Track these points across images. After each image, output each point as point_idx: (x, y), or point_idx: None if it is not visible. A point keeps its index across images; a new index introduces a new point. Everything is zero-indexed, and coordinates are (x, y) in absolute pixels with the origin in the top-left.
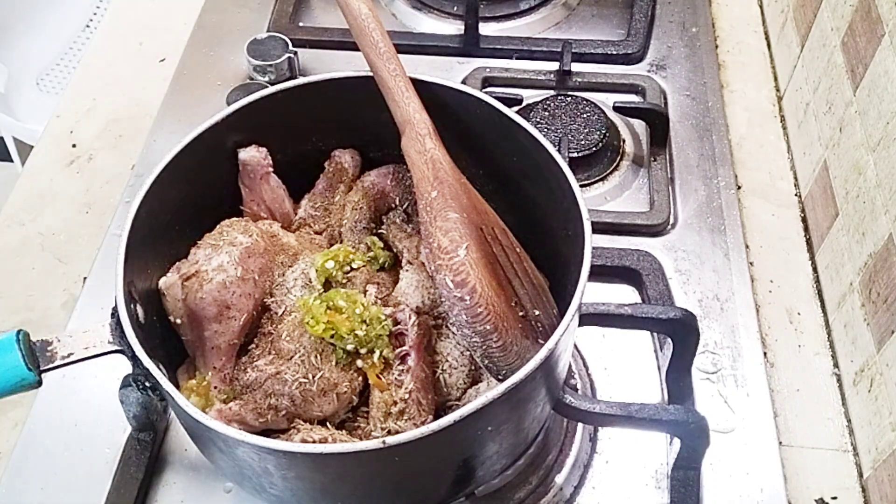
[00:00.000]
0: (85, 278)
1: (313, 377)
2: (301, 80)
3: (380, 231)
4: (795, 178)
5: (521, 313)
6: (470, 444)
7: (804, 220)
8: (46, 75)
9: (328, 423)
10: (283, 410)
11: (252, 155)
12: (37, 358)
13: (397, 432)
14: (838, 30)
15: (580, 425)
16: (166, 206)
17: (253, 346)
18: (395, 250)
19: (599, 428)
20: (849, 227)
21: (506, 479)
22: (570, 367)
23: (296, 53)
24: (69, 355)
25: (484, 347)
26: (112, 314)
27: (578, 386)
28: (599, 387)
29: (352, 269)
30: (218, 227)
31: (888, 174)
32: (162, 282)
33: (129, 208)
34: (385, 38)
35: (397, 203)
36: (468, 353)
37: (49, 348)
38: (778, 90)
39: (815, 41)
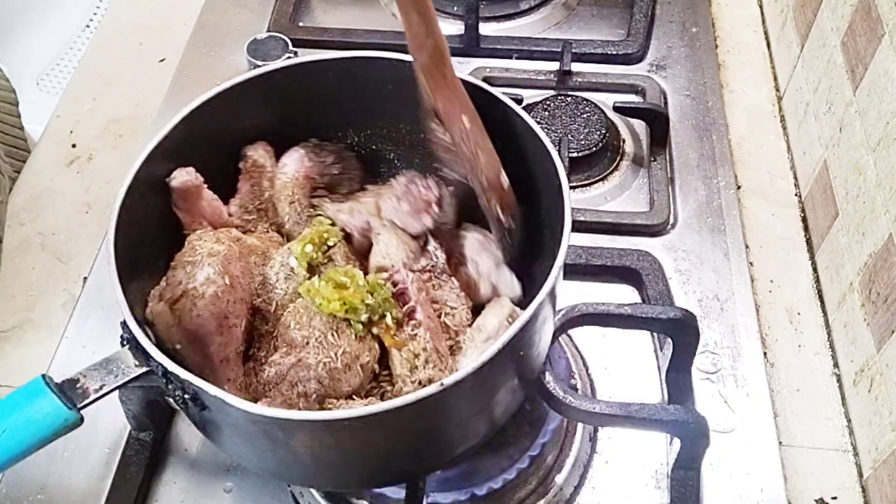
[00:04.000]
0: (85, 278)
1: (336, 354)
2: (210, 93)
3: (318, 214)
4: (795, 178)
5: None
6: (495, 385)
7: (804, 220)
8: (46, 75)
9: (356, 398)
10: (312, 394)
11: (183, 179)
12: (69, 396)
13: (430, 380)
14: (838, 30)
15: (580, 425)
16: (142, 235)
17: (255, 349)
18: (338, 226)
19: (599, 428)
20: (849, 227)
21: (506, 479)
22: (570, 367)
23: (296, 53)
24: (101, 387)
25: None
26: (122, 341)
27: (578, 386)
28: (599, 387)
29: (329, 247)
30: (186, 243)
31: (888, 174)
32: (148, 313)
33: (107, 241)
34: None
35: (318, 181)
36: (462, 294)
37: (77, 386)
38: (778, 90)
39: (815, 41)
